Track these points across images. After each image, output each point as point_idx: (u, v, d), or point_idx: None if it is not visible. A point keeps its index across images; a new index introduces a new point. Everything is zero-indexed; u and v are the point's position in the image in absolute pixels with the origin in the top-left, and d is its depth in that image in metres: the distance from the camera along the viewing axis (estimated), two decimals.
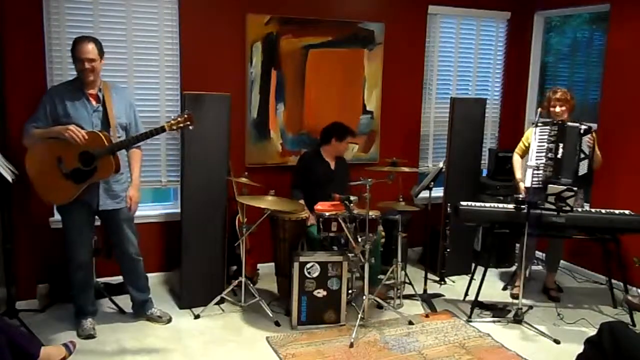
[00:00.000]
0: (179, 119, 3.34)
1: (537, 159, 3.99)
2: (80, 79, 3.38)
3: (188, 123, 3.35)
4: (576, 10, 5.07)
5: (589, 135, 4.02)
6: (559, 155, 3.97)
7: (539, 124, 4.05)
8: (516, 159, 4.38)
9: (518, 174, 4.29)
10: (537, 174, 3.94)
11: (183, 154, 3.87)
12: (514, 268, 4.73)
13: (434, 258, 4.72)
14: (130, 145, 3.48)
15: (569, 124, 4.02)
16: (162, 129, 3.33)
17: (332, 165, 4.43)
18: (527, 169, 4.00)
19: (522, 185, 4.13)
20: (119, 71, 3.99)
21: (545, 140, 4.01)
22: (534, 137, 4.04)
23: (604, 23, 4.78)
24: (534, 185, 3.86)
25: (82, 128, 3.25)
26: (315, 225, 3.97)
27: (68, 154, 3.28)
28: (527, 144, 4.28)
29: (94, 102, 3.40)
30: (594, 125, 4.70)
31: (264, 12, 4.39)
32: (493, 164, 5.14)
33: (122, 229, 3.58)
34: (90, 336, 3.49)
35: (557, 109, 4.13)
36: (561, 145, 3.97)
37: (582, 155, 4.00)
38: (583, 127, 4.00)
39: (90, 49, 3.31)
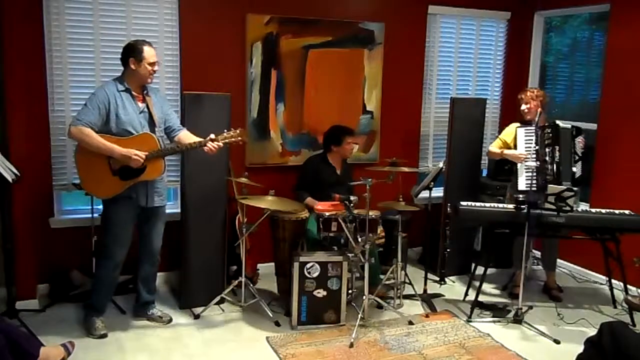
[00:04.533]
0: (232, 133, 3.45)
1: (532, 161, 3.97)
2: (132, 80, 3.40)
3: (240, 139, 3.48)
4: (576, 10, 5.07)
5: (580, 137, 4.04)
6: (556, 159, 3.97)
7: (523, 126, 4.09)
8: (494, 149, 4.32)
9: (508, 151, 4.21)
10: (534, 176, 3.92)
11: (183, 154, 3.87)
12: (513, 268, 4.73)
13: (434, 258, 4.72)
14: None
15: (562, 126, 4.02)
16: (214, 140, 3.41)
17: (339, 170, 4.41)
18: (521, 171, 3.99)
19: (516, 153, 4.11)
20: (119, 71, 3.97)
21: (533, 143, 3.97)
22: (521, 138, 4.05)
23: (604, 23, 4.77)
24: (531, 188, 3.86)
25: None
26: (314, 222, 3.97)
27: None
28: (507, 141, 4.23)
29: (140, 104, 3.45)
30: (594, 126, 4.72)
31: (264, 12, 4.39)
32: (493, 164, 5.13)
33: (158, 227, 3.67)
34: (104, 335, 3.49)
35: (522, 107, 4.17)
36: (557, 148, 3.97)
37: (577, 157, 4.02)
38: (575, 128, 4.03)
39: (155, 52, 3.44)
